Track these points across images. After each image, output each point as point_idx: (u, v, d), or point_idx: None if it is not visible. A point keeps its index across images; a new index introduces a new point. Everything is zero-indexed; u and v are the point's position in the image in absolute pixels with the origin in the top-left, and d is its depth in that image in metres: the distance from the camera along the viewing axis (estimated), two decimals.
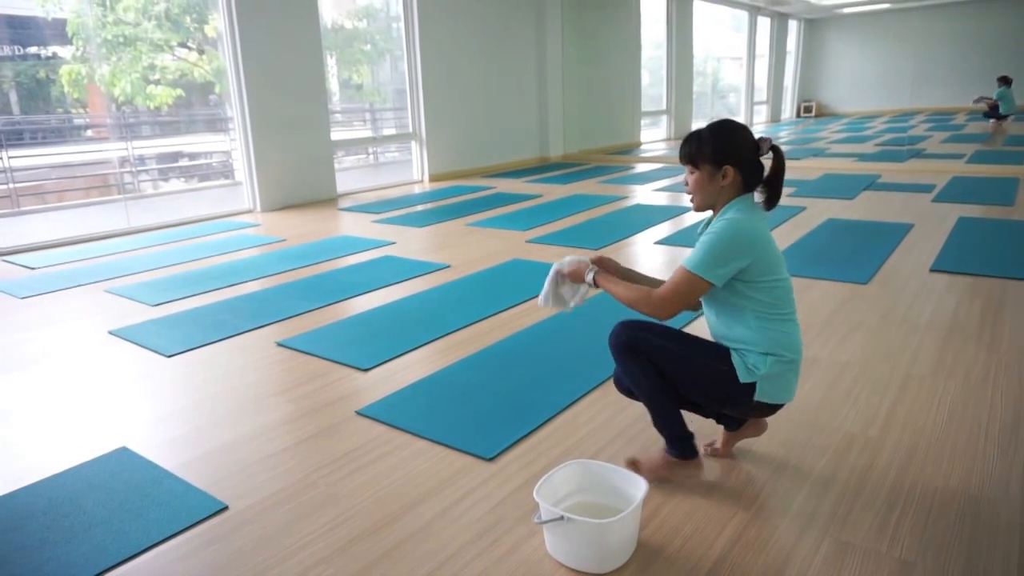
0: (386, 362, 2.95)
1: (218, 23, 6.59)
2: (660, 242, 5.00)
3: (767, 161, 1.89)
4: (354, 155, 9.34)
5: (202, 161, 8.02)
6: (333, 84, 9.11)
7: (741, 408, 1.87)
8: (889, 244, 4.57)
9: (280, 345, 3.19)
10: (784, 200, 6.35)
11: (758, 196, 1.90)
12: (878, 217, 5.46)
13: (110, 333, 3.46)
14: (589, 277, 1.95)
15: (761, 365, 1.80)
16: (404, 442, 2.28)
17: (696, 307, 1.95)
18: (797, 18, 19.05)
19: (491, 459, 2.15)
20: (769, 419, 2.13)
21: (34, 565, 1.74)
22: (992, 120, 13.08)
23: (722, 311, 1.87)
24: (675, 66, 13.41)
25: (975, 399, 2.41)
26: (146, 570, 1.72)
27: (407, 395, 2.62)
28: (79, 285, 4.39)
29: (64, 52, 6.47)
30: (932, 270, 3.95)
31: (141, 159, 7.06)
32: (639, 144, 12.57)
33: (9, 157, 5.95)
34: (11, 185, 5.93)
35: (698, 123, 14.92)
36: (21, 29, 6.34)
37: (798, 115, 19.79)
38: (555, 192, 7.47)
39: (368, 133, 9.28)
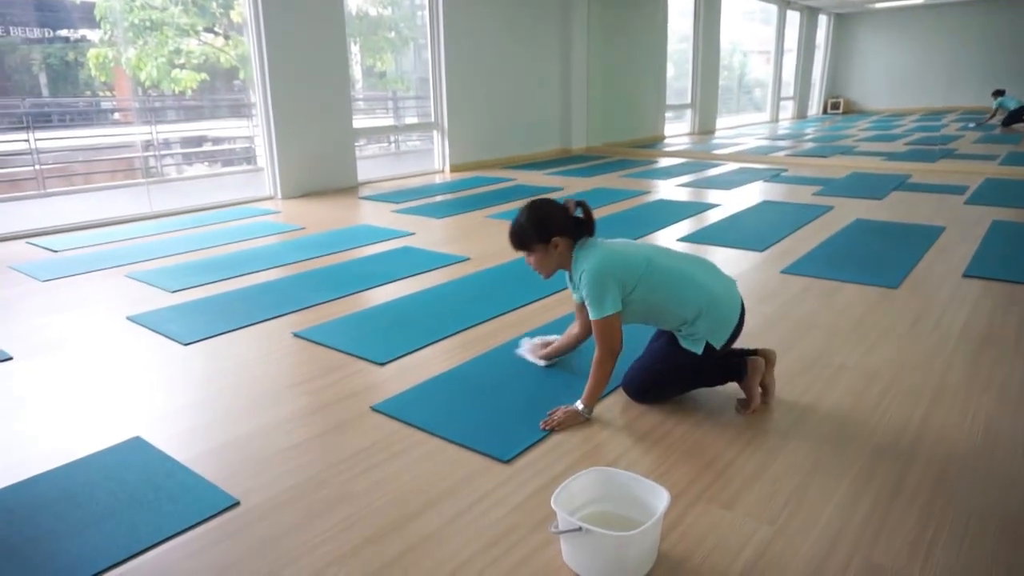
0: (403, 356, 2.91)
1: (243, 8, 6.57)
2: (683, 239, 4.91)
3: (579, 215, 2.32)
4: (376, 143, 9.31)
5: (225, 147, 8.02)
6: (356, 72, 9.08)
7: (717, 358, 2.30)
8: (920, 247, 4.45)
9: (296, 336, 3.17)
10: (810, 199, 6.24)
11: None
12: (908, 219, 5.33)
13: (128, 319, 3.45)
14: (586, 414, 2.31)
15: (698, 330, 2.25)
16: (419, 440, 2.24)
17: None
18: (827, 12, 18.71)
19: (508, 461, 2.10)
20: (797, 430, 2.21)
21: (44, 557, 1.72)
22: (1012, 124, 12.80)
23: (648, 319, 2.31)
24: (701, 59, 13.22)
25: (1012, 413, 2.32)
26: (154, 566, 1.69)
27: (423, 391, 2.57)
28: (100, 269, 4.39)
29: (92, 35, 6.48)
30: (965, 275, 3.83)
31: (165, 143, 7.07)
32: (663, 138, 12.43)
33: (36, 139, 5.99)
34: (37, 167, 5.95)
35: (723, 119, 14.75)
36: (51, 12, 6.35)
37: (825, 111, 19.47)
38: (576, 185, 7.39)
39: (390, 121, 9.23)
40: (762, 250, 4.51)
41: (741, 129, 14.44)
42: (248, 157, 7.59)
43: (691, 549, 1.68)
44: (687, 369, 2.34)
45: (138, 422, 2.40)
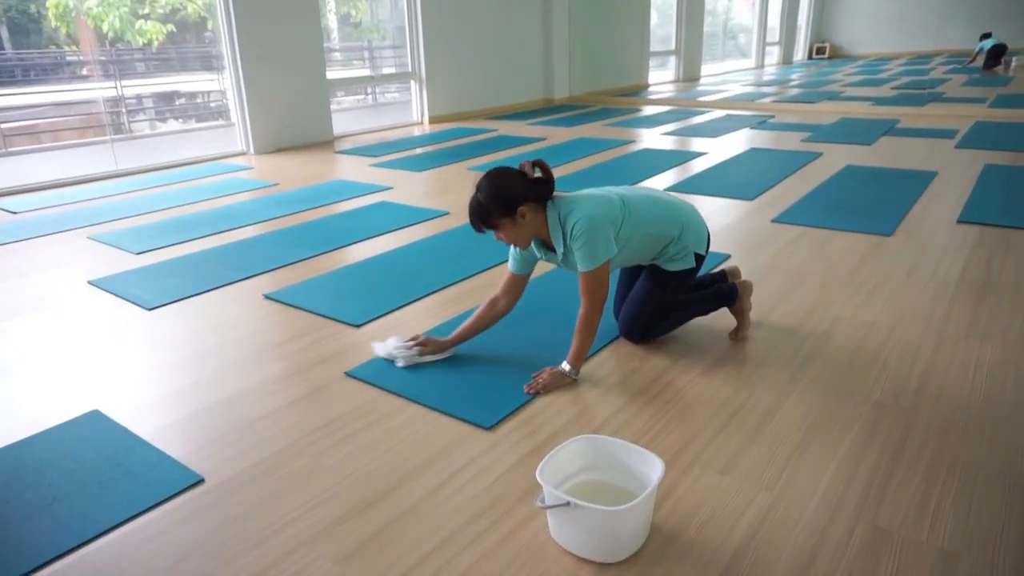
0: (379, 317, 2.76)
1: None
2: (670, 188, 4.75)
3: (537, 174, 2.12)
4: (353, 96, 9.00)
5: (196, 102, 7.71)
6: (331, 21, 8.71)
7: (700, 275, 2.45)
8: (913, 193, 4.33)
9: (267, 298, 3.01)
10: (798, 145, 6.08)
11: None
12: (899, 164, 5.20)
13: (89, 283, 3.27)
14: (573, 375, 2.19)
15: (687, 243, 2.27)
16: (396, 407, 2.11)
17: None
18: None
19: (490, 428, 1.98)
20: (793, 388, 2.10)
21: None
22: (995, 67, 12.69)
23: (634, 256, 2.28)
24: (685, 5, 12.84)
25: (1015, 363, 2.23)
26: (110, 552, 1.57)
27: None
28: (61, 231, 4.18)
29: None
30: (960, 221, 3.72)
31: (134, 99, 6.77)
32: (647, 86, 12.14)
33: None
34: None
35: (708, 65, 14.44)
36: None
37: (810, 57, 19.14)
38: (559, 135, 7.18)
39: (367, 73, 8.90)
40: (751, 199, 4.37)
41: (726, 76, 14.15)
42: (221, 112, 7.29)
43: (686, 520, 1.58)
44: (681, 291, 2.36)
45: (96, 395, 2.25)
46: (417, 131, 7.86)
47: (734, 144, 6.37)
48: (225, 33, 6.27)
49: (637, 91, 11.42)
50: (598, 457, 1.62)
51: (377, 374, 2.30)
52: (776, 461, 1.78)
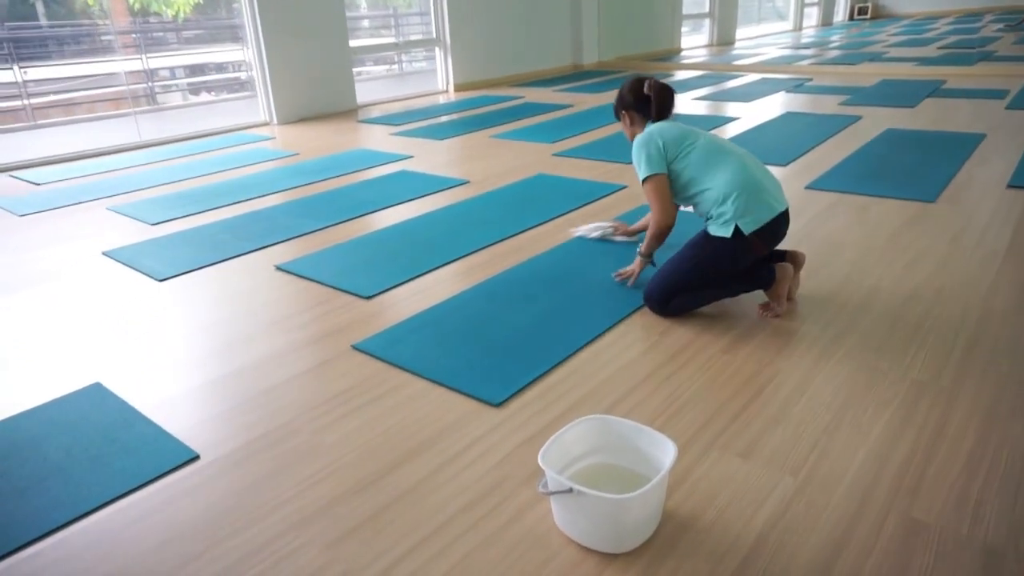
0: (391, 289, 2.67)
1: None
2: None
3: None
4: (381, 65, 8.84)
5: (221, 74, 7.63)
6: None
7: (749, 254, 2.21)
8: (958, 157, 4.08)
9: (279, 269, 2.94)
10: (836, 109, 5.81)
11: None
12: (944, 127, 4.92)
13: (103, 254, 3.23)
14: (646, 261, 2.49)
15: (727, 211, 2.18)
16: (402, 382, 2.02)
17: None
18: None
19: (499, 405, 1.88)
20: (825, 363, 1.92)
21: None
22: None
23: (689, 199, 2.32)
24: None
25: None
26: (99, 530, 1.51)
27: (410, 327, 2.35)
28: (81, 202, 4.16)
29: None
30: (1010, 186, 3.49)
31: (166, 71, 6.71)
32: (679, 51, 11.77)
33: (21, 69, 5.67)
34: (25, 101, 5.65)
35: (743, 29, 13.94)
36: None
37: (851, 18, 18.40)
38: (587, 102, 6.97)
39: (393, 40, 8.73)
40: (785, 164, 4.17)
41: (762, 39, 13.65)
42: (246, 83, 7.21)
43: (701, 506, 1.47)
44: (711, 269, 2.25)
45: (100, 367, 2.21)
46: (442, 99, 7.71)
47: (768, 108, 6.11)
48: (246, 2, 6.16)
49: (669, 56, 11.08)
50: (608, 438, 1.51)
51: (384, 347, 2.21)
52: (802, 444, 1.65)
